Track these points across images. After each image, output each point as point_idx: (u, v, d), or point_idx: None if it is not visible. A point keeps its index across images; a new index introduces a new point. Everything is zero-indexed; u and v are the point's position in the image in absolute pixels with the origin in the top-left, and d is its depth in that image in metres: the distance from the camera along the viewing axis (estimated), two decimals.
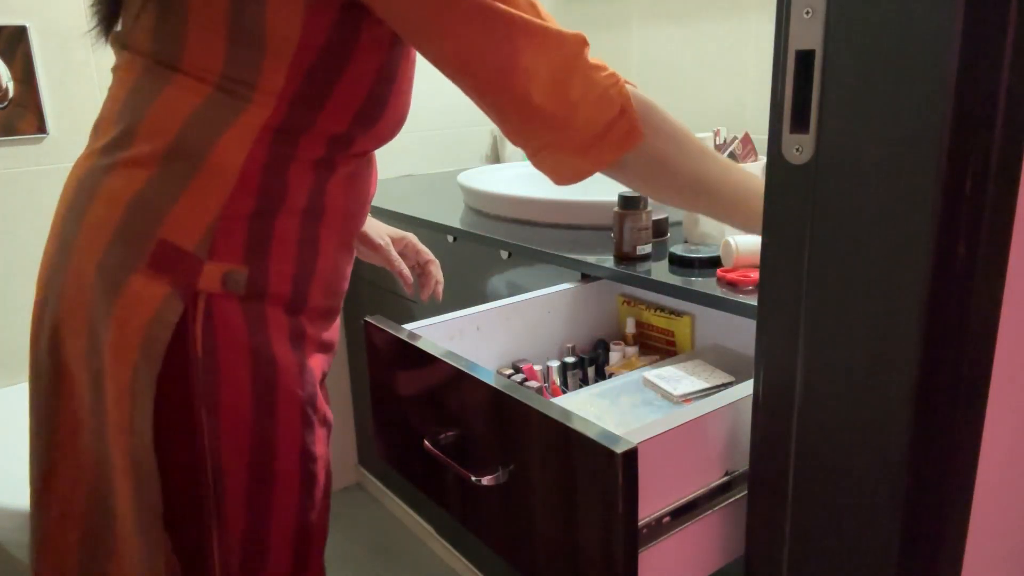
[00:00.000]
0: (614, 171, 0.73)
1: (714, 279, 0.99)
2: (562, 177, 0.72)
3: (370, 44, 0.69)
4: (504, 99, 0.67)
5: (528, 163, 1.82)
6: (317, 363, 0.79)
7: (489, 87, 0.67)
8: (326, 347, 0.82)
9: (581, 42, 0.69)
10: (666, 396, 0.95)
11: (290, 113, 0.69)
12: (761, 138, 0.62)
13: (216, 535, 0.72)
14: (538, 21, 0.67)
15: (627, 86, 0.71)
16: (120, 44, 0.73)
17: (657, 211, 1.16)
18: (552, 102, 0.67)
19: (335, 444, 2.05)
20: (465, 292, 1.44)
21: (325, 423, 0.80)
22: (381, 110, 0.74)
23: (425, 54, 0.68)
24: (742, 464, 0.76)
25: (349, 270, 0.84)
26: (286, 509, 0.75)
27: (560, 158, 0.70)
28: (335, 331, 0.85)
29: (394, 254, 1.05)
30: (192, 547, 0.72)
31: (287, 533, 0.76)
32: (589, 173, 0.71)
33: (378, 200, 1.61)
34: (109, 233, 0.68)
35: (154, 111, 0.68)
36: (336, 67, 0.69)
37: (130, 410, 0.67)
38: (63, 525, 0.76)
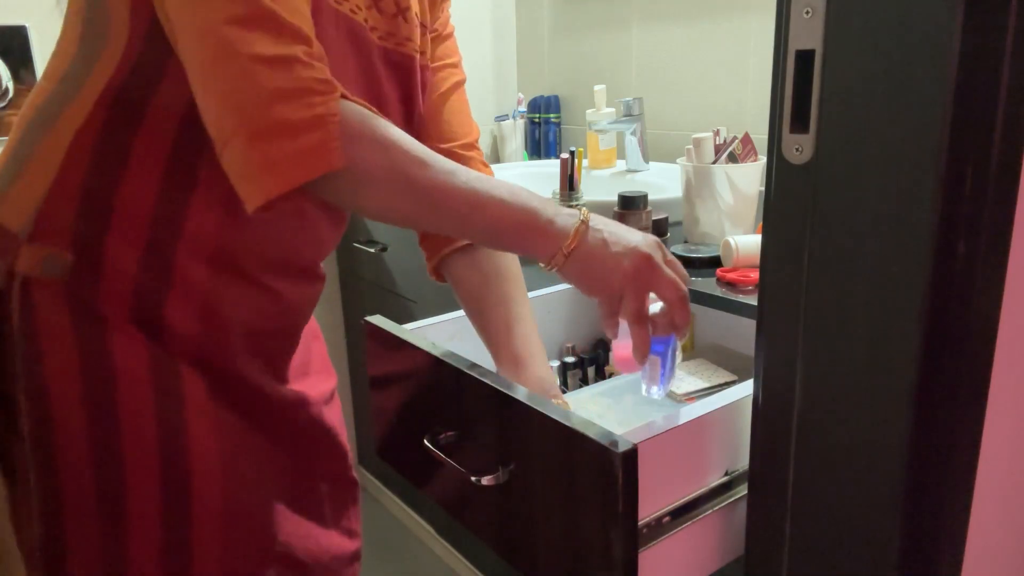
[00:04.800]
0: (322, 192, 0.61)
1: (714, 279, 0.99)
2: (244, 193, 0.58)
3: None
4: (203, 71, 0.57)
5: (528, 163, 1.82)
6: (202, 381, 0.70)
7: (195, 58, 0.58)
8: (233, 381, 0.73)
9: (304, 39, 0.58)
10: (669, 395, 0.96)
11: (125, 85, 0.64)
12: (761, 138, 0.62)
13: (68, 541, 0.67)
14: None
15: (345, 104, 0.59)
16: None
17: (657, 211, 1.16)
18: (242, 82, 0.55)
19: None
20: None
21: (225, 436, 0.71)
22: None
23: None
24: (742, 464, 0.76)
25: (270, 308, 0.75)
26: (143, 517, 0.68)
27: (242, 164, 0.57)
28: (269, 373, 0.77)
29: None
30: (35, 547, 0.68)
31: (150, 548, 0.68)
32: (271, 193, 0.57)
33: None
34: None
35: (27, 100, 0.70)
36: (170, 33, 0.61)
37: None
38: None
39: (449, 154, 0.84)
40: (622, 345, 0.70)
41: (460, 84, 0.88)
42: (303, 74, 0.56)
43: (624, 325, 0.68)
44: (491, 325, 0.84)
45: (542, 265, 0.66)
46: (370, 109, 0.62)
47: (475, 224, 0.64)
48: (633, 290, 0.64)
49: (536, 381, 0.81)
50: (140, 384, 0.67)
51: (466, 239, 0.74)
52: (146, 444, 0.68)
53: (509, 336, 0.82)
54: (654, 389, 0.76)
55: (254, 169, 0.56)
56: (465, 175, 0.64)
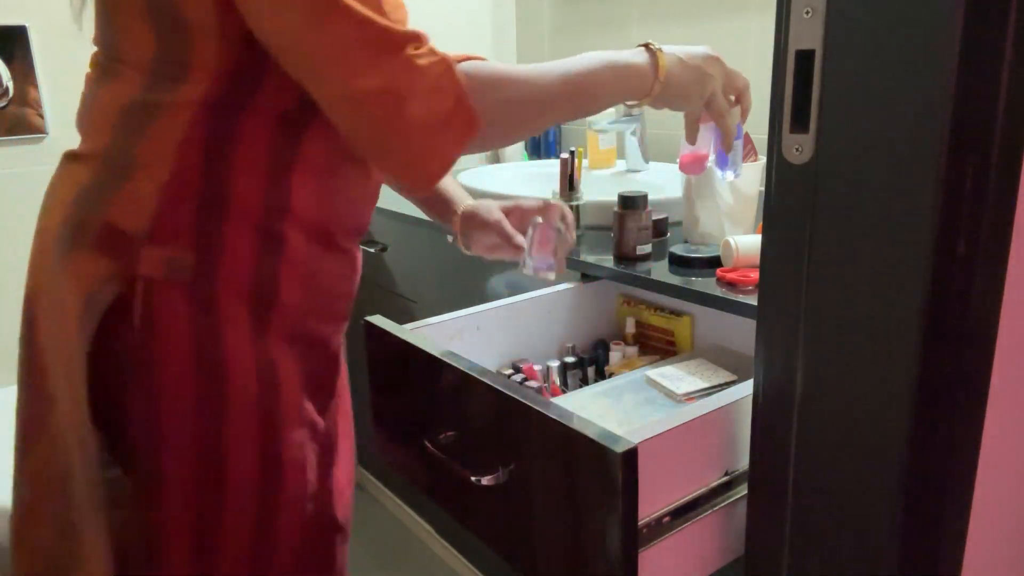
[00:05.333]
0: (469, 150, 0.71)
1: (714, 279, 0.99)
2: (411, 182, 0.68)
3: None
4: (345, 99, 0.64)
5: (528, 163, 1.82)
6: (295, 363, 0.75)
7: (335, 99, 0.64)
8: (318, 347, 0.79)
9: (413, 37, 0.65)
10: (669, 395, 0.95)
11: (227, 88, 0.67)
12: (761, 138, 0.62)
13: (162, 534, 0.70)
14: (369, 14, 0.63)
15: (458, 66, 0.67)
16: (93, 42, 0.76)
17: (657, 211, 1.16)
18: (385, 103, 0.63)
19: None
20: (465, 292, 1.44)
21: (304, 422, 0.76)
22: (259, 68, 0.69)
23: (277, 54, 0.65)
24: (742, 464, 0.76)
25: (349, 272, 0.82)
26: (240, 511, 0.72)
27: (404, 162, 0.67)
28: (334, 338, 0.82)
29: (509, 229, 0.96)
30: (135, 538, 0.71)
31: (241, 536, 0.73)
32: (437, 175, 0.68)
33: (379, 200, 1.61)
34: (64, 212, 0.70)
35: (97, 107, 0.71)
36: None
37: (73, 385, 0.67)
38: (37, 506, 0.76)
39: None
40: (688, 152, 0.86)
41: None
42: (432, 73, 0.64)
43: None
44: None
45: (633, 103, 0.79)
46: (467, 57, 0.70)
47: (585, 103, 0.77)
48: (715, 95, 0.81)
49: (483, 215, 0.96)
50: (248, 385, 0.71)
51: (573, 117, 0.80)
52: (249, 440, 0.71)
53: (445, 187, 0.99)
54: (728, 174, 0.92)
55: (421, 163, 0.66)
56: (552, 69, 0.73)
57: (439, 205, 0.99)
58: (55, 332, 0.70)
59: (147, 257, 0.67)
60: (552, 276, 0.94)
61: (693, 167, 0.87)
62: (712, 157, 0.91)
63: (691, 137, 0.86)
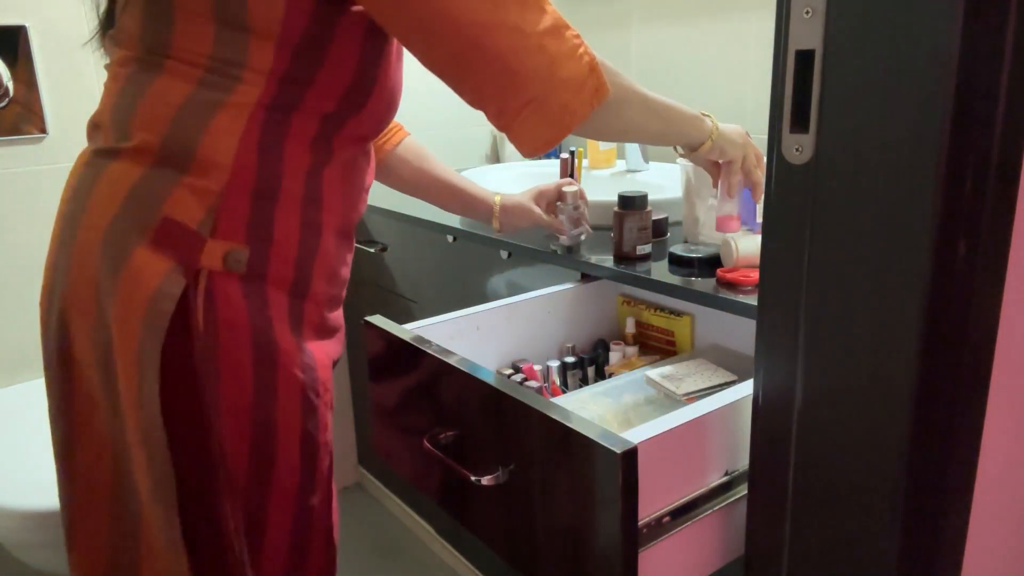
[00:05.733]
0: (585, 126, 0.76)
1: (714, 279, 0.99)
2: (537, 139, 0.73)
3: (351, 24, 0.71)
4: (487, 57, 0.69)
5: (528, 163, 1.82)
6: (320, 348, 0.79)
7: (469, 47, 0.68)
8: (330, 332, 0.83)
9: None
10: (669, 395, 0.95)
11: (280, 91, 0.70)
12: (761, 138, 0.63)
13: (224, 513, 0.73)
14: None
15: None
16: (114, 41, 0.76)
17: (657, 211, 1.15)
18: (535, 58, 0.69)
19: (335, 444, 2.05)
20: (465, 292, 1.44)
21: (330, 408, 0.81)
22: (369, 88, 0.76)
23: (399, 21, 0.69)
24: (742, 464, 0.76)
25: (350, 259, 0.85)
26: (284, 491, 0.76)
27: (538, 118, 0.72)
28: (339, 317, 0.86)
29: (546, 218, 1.13)
30: (202, 522, 0.73)
31: (285, 515, 0.77)
32: (564, 133, 0.73)
33: (379, 200, 1.61)
34: (115, 208, 0.70)
35: (148, 102, 0.71)
36: (320, 46, 0.70)
37: (138, 383, 0.69)
38: (89, 501, 0.78)
39: None
40: (724, 215, 1.02)
41: None
42: (568, 35, 0.71)
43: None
44: (449, 186, 1.12)
45: (682, 151, 0.97)
46: None
47: (674, 125, 0.90)
48: (748, 153, 0.98)
49: (517, 203, 1.12)
50: (295, 373, 0.75)
51: (652, 140, 0.93)
52: (295, 427, 0.75)
53: (471, 188, 1.13)
54: (755, 227, 1.06)
55: (553, 118, 0.72)
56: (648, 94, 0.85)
57: (475, 203, 1.12)
58: (106, 336, 0.71)
59: (209, 250, 0.69)
60: (584, 237, 1.16)
61: (729, 225, 1.03)
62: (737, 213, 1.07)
63: (730, 192, 1.01)
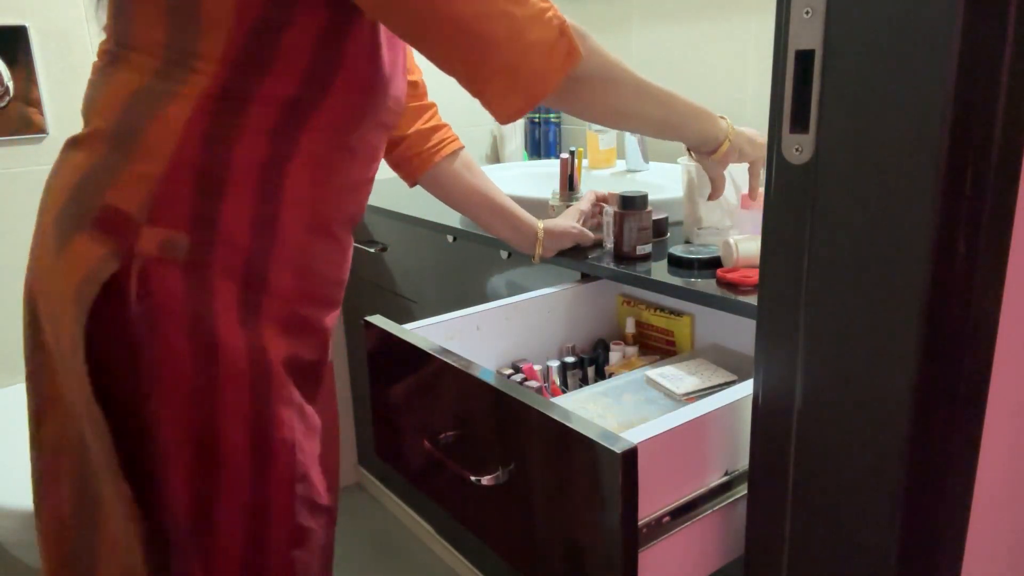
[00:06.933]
0: (561, 97, 0.76)
1: (714, 279, 0.99)
2: (509, 107, 0.72)
3: (310, 7, 0.70)
4: (451, 24, 0.68)
5: (528, 163, 1.82)
6: (286, 345, 0.77)
7: (431, 13, 0.68)
8: (310, 333, 0.81)
9: None
10: (669, 395, 0.95)
11: (233, 79, 0.69)
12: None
13: (163, 499, 0.73)
14: None
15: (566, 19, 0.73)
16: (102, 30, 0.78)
17: (657, 211, 1.15)
18: (499, 23, 0.68)
19: None
20: (465, 292, 1.44)
21: (292, 405, 0.78)
22: (332, 71, 0.73)
23: None
24: (742, 464, 0.76)
25: (342, 258, 0.84)
26: (234, 484, 0.74)
27: (507, 85, 0.71)
28: (330, 319, 0.84)
29: (588, 234, 1.15)
30: (147, 503, 0.73)
31: (235, 510, 0.75)
32: (537, 98, 0.72)
33: (378, 200, 1.61)
34: (66, 195, 0.72)
35: (108, 92, 0.73)
36: (276, 28, 0.69)
37: (74, 359, 0.70)
38: (56, 469, 0.79)
39: (414, 85, 1.06)
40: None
41: None
42: (536, 1, 0.70)
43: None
44: (499, 207, 1.11)
45: (701, 152, 0.95)
46: None
47: (679, 116, 0.88)
48: (762, 151, 0.96)
49: (558, 226, 1.13)
50: (239, 364, 0.73)
51: (658, 133, 0.90)
52: (241, 419, 0.74)
53: (520, 212, 1.12)
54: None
55: (523, 83, 0.71)
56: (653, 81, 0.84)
57: (522, 227, 1.11)
58: (55, 314, 0.72)
59: (145, 236, 0.69)
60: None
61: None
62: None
63: (755, 190, 1.02)
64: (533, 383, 1.05)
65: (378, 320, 0.97)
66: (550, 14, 0.71)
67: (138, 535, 0.72)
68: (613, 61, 0.79)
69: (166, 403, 0.71)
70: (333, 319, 0.86)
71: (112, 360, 0.70)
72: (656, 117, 0.86)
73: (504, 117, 0.73)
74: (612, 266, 1.08)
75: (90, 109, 0.74)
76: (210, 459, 0.73)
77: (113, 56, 0.73)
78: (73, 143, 0.75)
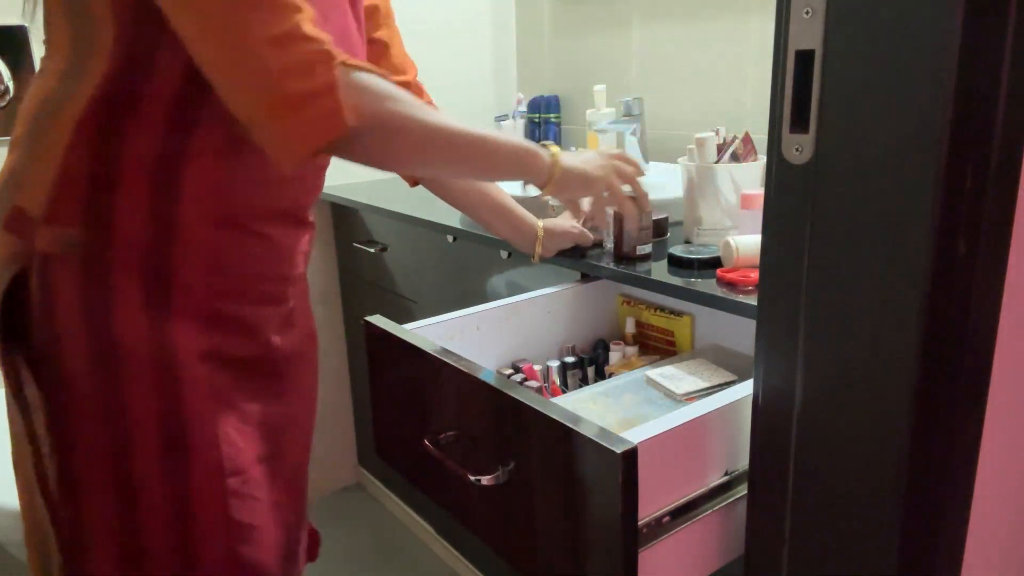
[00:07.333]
0: (333, 152, 0.70)
1: (714, 279, 0.99)
2: (278, 157, 0.67)
3: None
4: (210, 52, 0.64)
5: None
6: (209, 344, 0.76)
7: (201, 35, 0.64)
8: (241, 329, 0.79)
9: (297, 8, 0.64)
10: (669, 395, 0.95)
11: (120, 75, 0.69)
12: (761, 138, 0.63)
13: (81, 504, 0.73)
14: None
15: (347, 70, 0.66)
16: None
17: (657, 211, 1.15)
18: (251, 66, 0.63)
19: (335, 444, 2.05)
20: (465, 292, 1.44)
21: (215, 399, 0.76)
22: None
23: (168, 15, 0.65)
24: (742, 464, 0.76)
25: (270, 254, 0.81)
26: (149, 483, 0.73)
27: (264, 138, 0.66)
28: (268, 315, 0.82)
29: (587, 234, 1.13)
30: (61, 516, 0.74)
31: (156, 506, 0.74)
32: (295, 157, 0.66)
33: (378, 200, 1.61)
34: None
35: (27, 98, 0.75)
36: (157, 21, 0.66)
37: None
38: (15, 459, 0.80)
39: (405, 86, 0.99)
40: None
41: (392, 16, 1.02)
42: (304, 48, 0.64)
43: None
44: (499, 206, 1.10)
45: (538, 188, 0.89)
46: (374, 71, 0.70)
47: (487, 160, 0.81)
48: (611, 182, 0.93)
49: (558, 226, 1.12)
50: (141, 358, 0.73)
51: (473, 176, 0.87)
52: (148, 414, 0.73)
53: (520, 211, 1.11)
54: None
55: (280, 139, 0.66)
56: (456, 120, 0.76)
57: (523, 227, 1.10)
58: None
59: (42, 235, 0.71)
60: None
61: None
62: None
63: (600, 221, 1.01)
64: (533, 383, 1.05)
65: (378, 320, 0.97)
66: (319, 69, 0.64)
67: (56, 545, 0.73)
68: (399, 112, 0.71)
69: (76, 395, 0.72)
70: (275, 316, 0.84)
71: (25, 360, 0.72)
72: (454, 162, 0.80)
73: (281, 169, 0.68)
74: (612, 266, 1.08)
75: (18, 116, 0.77)
76: (120, 457, 0.73)
77: (42, 63, 0.76)
78: (9, 149, 0.77)
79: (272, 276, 0.83)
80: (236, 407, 0.79)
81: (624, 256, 1.10)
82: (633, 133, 1.57)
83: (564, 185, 0.88)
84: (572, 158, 0.89)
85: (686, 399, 0.93)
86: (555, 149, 0.87)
